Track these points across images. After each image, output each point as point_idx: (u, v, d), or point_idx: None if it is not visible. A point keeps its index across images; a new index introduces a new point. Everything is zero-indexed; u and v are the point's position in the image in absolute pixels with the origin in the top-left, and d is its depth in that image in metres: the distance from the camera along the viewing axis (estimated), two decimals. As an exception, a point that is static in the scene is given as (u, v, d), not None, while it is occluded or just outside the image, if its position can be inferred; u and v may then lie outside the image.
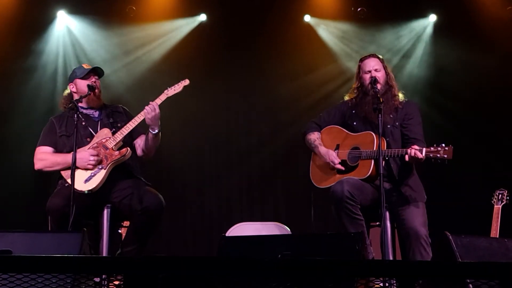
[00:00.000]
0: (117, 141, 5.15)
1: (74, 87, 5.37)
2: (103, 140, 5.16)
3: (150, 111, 5.12)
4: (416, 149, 4.92)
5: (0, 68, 7.54)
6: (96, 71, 5.36)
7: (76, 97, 5.28)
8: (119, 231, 5.76)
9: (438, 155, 4.88)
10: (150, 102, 5.17)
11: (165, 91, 5.30)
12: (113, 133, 5.20)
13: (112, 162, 5.10)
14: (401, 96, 5.42)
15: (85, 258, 3.58)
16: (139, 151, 5.35)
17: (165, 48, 8.02)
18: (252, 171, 7.94)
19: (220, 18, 8.06)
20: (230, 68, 8.06)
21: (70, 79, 5.44)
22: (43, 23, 7.74)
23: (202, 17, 8.09)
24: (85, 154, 5.03)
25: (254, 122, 8.03)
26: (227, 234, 6.13)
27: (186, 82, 5.35)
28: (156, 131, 5.20)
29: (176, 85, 5.33)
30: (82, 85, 5.28)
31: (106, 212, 5.12)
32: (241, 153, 7.95)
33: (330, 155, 5.29)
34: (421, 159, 4.92)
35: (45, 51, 7.75)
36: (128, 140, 5.28)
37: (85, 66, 5.42)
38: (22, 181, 7.32)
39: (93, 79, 5.30)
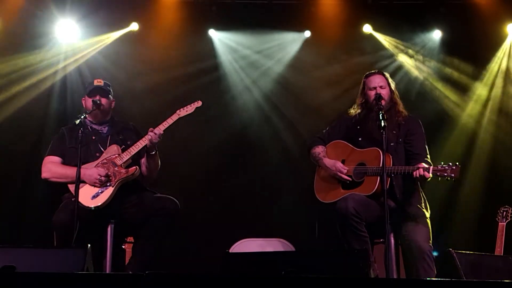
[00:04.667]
0: (125, 160, 5.19)
1: (84, 102, 5.46)
2: (112, 157, 5.21)
3: (156, 137, 5.18)
4: (423, 168, 4.92)
5: (2, 77, 7.54)
6: (101, 89, 5.39)
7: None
8: (123, 246, 5.75)
9: (446, 174, 4.88)
10: (157, 128, 5.20)
11: (177, 112, 5.35)
12: (123, 150, 5.25)
13: (120, 180, 5.14)
14: (404, 111, 5.43)
15: (88, 274, 3.58)
16: (143, 169, 5.39)
17: (171, 61, 8.01)
18: (256, 186, 7.93)
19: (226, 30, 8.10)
20: (234, 79, 8.08)
21: (83, 94, 5.53)
22: (46, 33, 7.74)
23: (211, 32, 8.10)
24: (93, 172, 5.08)
25: (257, 135, 8.02)
26: (230, 251, 6.12)
27: (199, 103, 5.41)
28: (154, 152, 5.28)
29: (188, 106, 5.38)
30: (88, 102, 5.36)
31: (110, 228, 5.14)
32: (245, 169, 7.94)
33: (337, 166, 5.29)
34: (428, 178, 4.93)
35: (45, 61, 7.74)
36: (137, 158, 5.33)
37: (96, 82, 5.46)
38: (27, 196, 7.30)
39: (98, 97, 5.33)
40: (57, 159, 5.32)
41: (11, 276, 3.42)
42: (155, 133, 5.18)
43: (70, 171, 5.14)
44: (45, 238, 5.37)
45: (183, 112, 5.34)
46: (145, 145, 5.23)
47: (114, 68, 7.76)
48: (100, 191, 5.07)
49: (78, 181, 4.90)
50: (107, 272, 5.04)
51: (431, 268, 4.93)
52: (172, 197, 5.21)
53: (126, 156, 5.20)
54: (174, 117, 5.31)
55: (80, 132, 5.01)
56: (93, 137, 5.32)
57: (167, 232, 5.16)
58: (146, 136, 5.22)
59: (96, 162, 5.18)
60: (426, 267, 4.92)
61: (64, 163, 5.29)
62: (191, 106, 5.38)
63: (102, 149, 5.28)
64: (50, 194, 5.88)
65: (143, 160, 5.38)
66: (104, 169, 5.13)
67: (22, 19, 7.54)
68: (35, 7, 7.54)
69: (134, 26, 7.90)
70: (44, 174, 5.29)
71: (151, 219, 5.10)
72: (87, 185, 5.08)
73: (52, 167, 5.27)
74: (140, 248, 5.16)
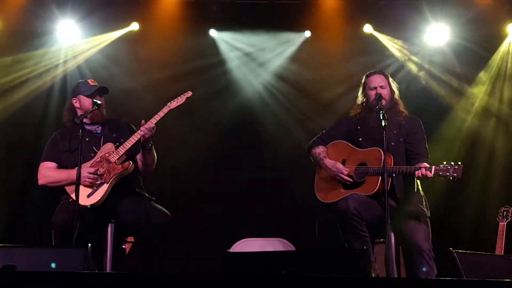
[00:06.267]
0: (120, 155, 5.17)
1: (78, 102, 5.39)
2: (107, 155, 5.19)
3: (148, 131, 5.15)
4: (425, 168, 4.92)
5: (1, 76, 7.54)
6: (102, 90, 5.37)
7: (79, 112, 5.30)
8: (123, 246, 5.75)
9: (448, 174, 4.89)
10: (148, 122, 5.17)
11: (168, 104, 5.31)
12: (117, 147, 5.22)
13: (115, 175, 5.12)
14: (404, 111, 5.43)
15: (88, 274, 3.58)
16: (140, 165, 5.37)
17: (171, 62, 8.00)
18: (256, 186, 7.92)
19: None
20: (234, 78, 8.09)
21: (74, 93, 5.44)
22: (46, 32, 7.73)
23: (212, 32, 8.10)
24: (83, 172, 5.04)
25: (257, 135, 8.01)
26: (231, 250, 6.12)
27: (189, 94, 5.36)
28: (149, 146, 5.25)
29: (178, 98, 5.33)
30: (87, 102, 5.31)
31: (110, 228, 5.14)
32: (245, 168, 7.93)
33: (337, 167, 5.30)
34: (429, 177, 4.93)
35: (46, 61, 7.73)
36: (131, 154, 5.30)
37: (91, 82, 5.41)
38: (26, 196, 7.30)
39: (97, 97, 5.31)
40: (52, 164, 5.30)
41: (11, 275, 3.42)
42: (146, 128, 5.16)
43: (64, 174, 5.16)
44: (45, 238, 5.35)
45: (174, 104, 5.30)
46: (139, 141, 5.21)
47: (114, 67, 7.75)
48: (95, 188, 5.07)
49: (79, 181, 4.90)
50: (107, 271, 5.04)
51: (431, 267, 4.95)
52: (165, 211, 5.15)
53: (121, 151, 5.18)
54: (165, 110, 5.27)
55: (80, 132, 4.99)
56: (87, 139, 5.27)
57: (158, 248, 5.12)
58: (138, 131, 5.19)
59: (90, 162, 5.17)
60: (426, 266, 4.93)
61: (60, 167, 5.28)
62: (181, 97, 5.33)
63: (95, 149, 5.26)
64: (50, 194, 5.88)
65: (139, 156, 5.37)
66: (95, 167, 5.11)
67: (23, 19, 7.53)
68: (36, 6, 7.53)
69: (134, 26, 7.89)
70: (41, 181, 5.29)
71: (142, 235, 5.06)
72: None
73: (47, 173, 5.26)
74: (130, 260, 5.14)
